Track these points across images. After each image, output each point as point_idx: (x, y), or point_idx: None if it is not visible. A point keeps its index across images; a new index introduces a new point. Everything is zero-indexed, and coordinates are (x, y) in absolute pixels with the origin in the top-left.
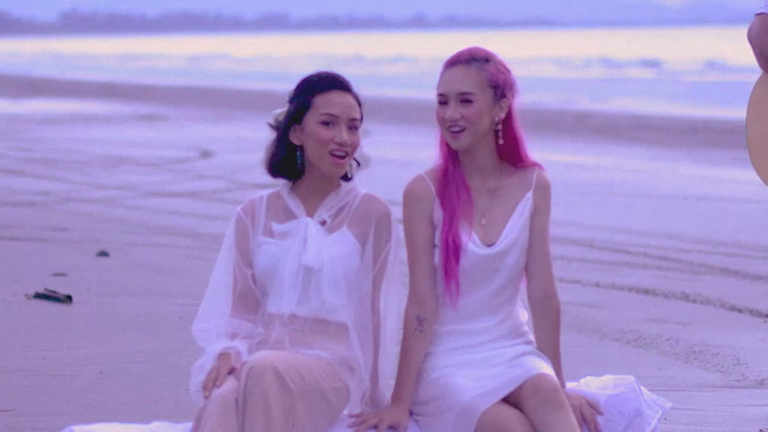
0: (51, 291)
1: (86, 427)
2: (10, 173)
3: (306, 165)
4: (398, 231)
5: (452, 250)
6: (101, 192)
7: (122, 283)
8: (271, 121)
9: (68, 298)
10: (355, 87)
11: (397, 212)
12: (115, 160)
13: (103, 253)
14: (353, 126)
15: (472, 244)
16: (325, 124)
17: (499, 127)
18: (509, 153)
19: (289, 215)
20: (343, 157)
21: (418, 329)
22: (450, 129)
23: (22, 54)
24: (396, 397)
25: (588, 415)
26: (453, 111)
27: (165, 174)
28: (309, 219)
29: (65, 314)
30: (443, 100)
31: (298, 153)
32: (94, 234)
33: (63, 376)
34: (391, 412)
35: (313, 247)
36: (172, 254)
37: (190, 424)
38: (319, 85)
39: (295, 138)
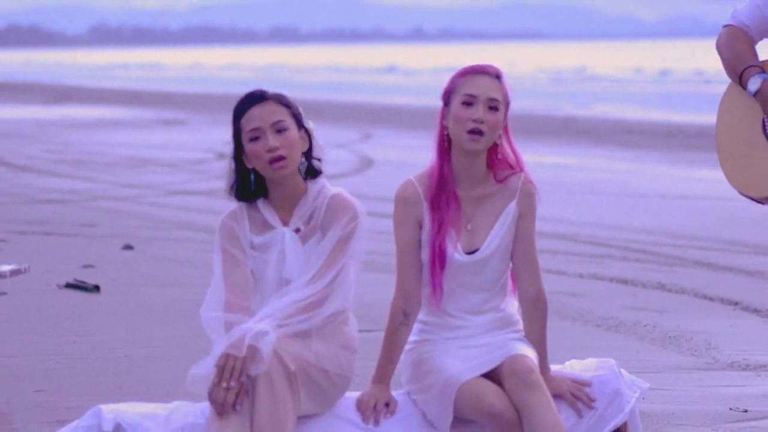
0: (80, 281)
1: (112, 406)
2: (43, 173)
3: (265, 179)
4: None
5: (438, 256)
6: (126, 190)
7: (145, 274)
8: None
9: (96, 288)
10: (275, 93)
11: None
12: (139, 161)
13: (128, 247)
14: (280, 128)
15: (456, 253)
16: (254, 139)
17: (500, 140)
18: (503, 164)
19: (267, 226)
20: (280, 160)
21: (404, 322)
22: (471, 131)
23: (54, 64)
24: (380, 379)
25: (577, 391)
26: (483, 113)
27: (184, 174)
28: (285, 229)
29: (93, 303)
30: (471, 101)
31: (252, 175)
32: (120, 229)
33: (91, 359)
34: (380, 392)
35: (291, 258)
36: (191, 248)
37: (207, 404)
38: (240, 108)
39: (247, 162)
